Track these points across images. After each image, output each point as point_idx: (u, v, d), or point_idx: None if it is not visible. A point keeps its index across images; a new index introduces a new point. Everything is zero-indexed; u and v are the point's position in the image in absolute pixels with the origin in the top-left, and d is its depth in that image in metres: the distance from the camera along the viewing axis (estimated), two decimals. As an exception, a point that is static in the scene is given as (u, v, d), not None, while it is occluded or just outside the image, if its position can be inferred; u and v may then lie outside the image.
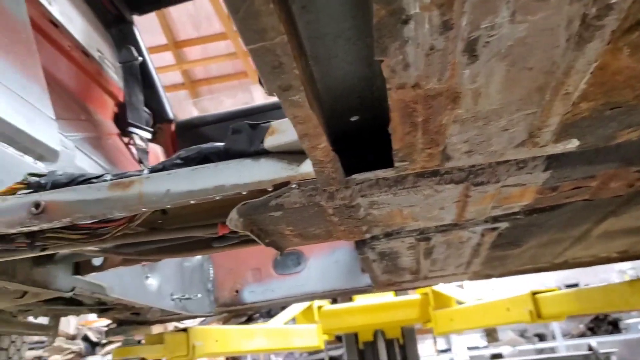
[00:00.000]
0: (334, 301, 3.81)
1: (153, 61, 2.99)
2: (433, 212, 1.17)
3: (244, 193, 1.03)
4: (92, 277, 1.63)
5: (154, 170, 1.13)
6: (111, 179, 1.12)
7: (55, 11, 2.29)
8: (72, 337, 9.28)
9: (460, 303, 3.36)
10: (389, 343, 3.71)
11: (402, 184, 1.01)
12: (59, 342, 9.07)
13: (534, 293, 2.65)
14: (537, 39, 0.58)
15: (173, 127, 2.82)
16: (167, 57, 9.74)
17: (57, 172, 1.21)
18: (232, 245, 1.29)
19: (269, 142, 1.03)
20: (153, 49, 9.04)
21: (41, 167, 1.47)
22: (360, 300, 3.66)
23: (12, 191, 1.17)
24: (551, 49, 0.60)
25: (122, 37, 2.88)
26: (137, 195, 1.07)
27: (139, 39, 2.91)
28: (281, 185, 1.01)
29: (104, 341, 9.53)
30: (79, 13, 2.56)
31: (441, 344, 9.20)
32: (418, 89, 0.65)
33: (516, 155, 0.90)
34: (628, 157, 0.96)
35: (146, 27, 8.76)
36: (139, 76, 2.74)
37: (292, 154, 1.01)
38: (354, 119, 0.95)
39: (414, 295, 3.57)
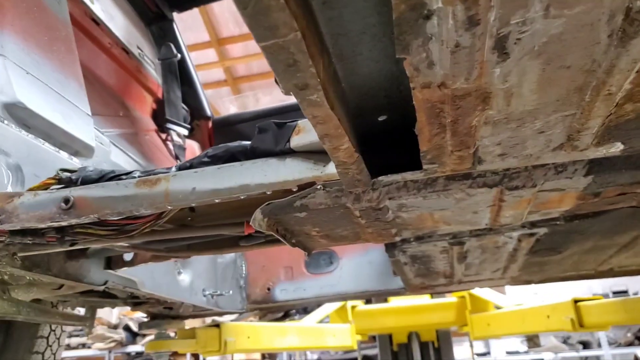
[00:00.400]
0: (368, 301, 3.77)
1: (195, 59, 3.03)
2: (466, 216, 1.12)
3: (269, 193, 1.01)
4: (124, 272, 1.65)
5: (181, 168, 1.12)
6: (139, 176, 1.13)
7: (97, 9, 2.35)
8: (114, 327, 9.59)
9: (498, 308, 3.26)
10: (424, 345, 3.64)
11: (432, 186, 0.96)
12: (102, 330, 9.39)
13: (576, 301, 2.54)
14: (575, 35, 0.53)
15: (210, 124, 2.85)
16: (210, 54, 9.88)
17: (88, 168, 1.22)
18: (259, 245, 1.28)
19: (295, 141, 1.00)
20: (196, 46, 9.20)
21: (76, 162, 1.50)
22: (394, 301, 3.61)
23: (44, 186, 1.20)
24: (591, 45, 0.55)
25: (162, 34, 2.92)
26: (163, 192, 1.06)
27: (178, 36, 2.95)
28: (306, 186, 0.98)
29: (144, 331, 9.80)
30: (120, 11, 2.61)
31: (479, 347, 9.00)
32: (445, 88, 0.61)
33: (554, 159, 0.85)
34: (679, 162, 0.89)
35: (189, 25, 8.91)
36: (178, 73, 2.78)
37: (318, 154, 0.99)
38: (381, 118, 0.92)
39: (450, 298, 3.49)
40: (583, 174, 0.93)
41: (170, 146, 2.53)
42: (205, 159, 1.12)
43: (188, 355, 9.52)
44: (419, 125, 0.70)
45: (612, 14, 0.50)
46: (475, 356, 8.71)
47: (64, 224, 1.11)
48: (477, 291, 3.32)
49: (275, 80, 0.59)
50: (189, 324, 2.93)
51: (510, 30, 0.52)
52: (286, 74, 0.55)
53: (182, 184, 1.06)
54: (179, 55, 2.79)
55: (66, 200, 1.11)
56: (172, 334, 2.53)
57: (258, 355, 9.18)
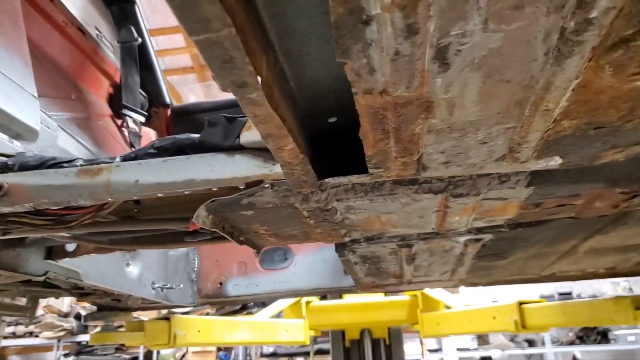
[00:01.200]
0: (324, 297, 3.78)
1: (161, 43, 2.95)
2: (412, 220, 1.13)
3: (215, 189, 0.98)
4: (67, 262, 1.60)
5: (126, 158, 1.09)
6: (81, 165, 1.09)
7: (52, -14, 2.25)
8: (65, 315, 9.32)
9: (448, 307, 3.32)
10: (375, 342, 3.69)
11: (378, 190, 0.96)
12: (52, 318, 9.11)
13: (521, 303, 2.61)
14: (514, 50, 0.53)
15: (169, 112, 2.78)
16: (178, 39, 9.67)
17: (27, 154, 1.17)
18: (204, 241, 1.26)
19: (245, 137, 0.98)
20: (163, 30, 8.97)
21: (17, 146, 1.43)
22: (349, 298, 3.63)
23: (-22, 172, 1.14)
24: (529, 62, 0.56)
25: (123, 16, 2.82)
26: (104, 183, 1.03)
27: (140, 19, 2.86)
28: (254, 184, 0.97)
29: (96, 320, 9.56)
30: (79, -11, 2.51)
31: (431, 343, 9.19)
32: (386, 95, 0.60)
33: (497, 170, 0.86)
34: (613, 177, 0.92)
35: (158, 7, 8.67)
36: (137, 58, 2.70)
37: (268, 152, 0.97)
38: (332, 120, 0.91)
39: (402, 297, 3.53)
40: (525, 184, 0.95)
41: (126, 133, 2.45)
42: (152, 151, 1.09)
43: (141, 348, 9.35)
44: (362, 130, 0.70)
45: (548, 33, 0.51)
46: (427, 352, 8.90)
47: (-3, 212, 1.06)
48: (429, 291, 3.38)
49: (213, 76, 0.57)
50: (149, 316, 2.87)
51: (451, 41, 0.51)
52: (222, 70, 0.53)
53: (124, 176, 1.03)
54: (139, 39, 2.70)
55: None
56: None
57: (213, 348, 9.11)
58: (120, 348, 9.79)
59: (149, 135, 2.66)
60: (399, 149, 0.75)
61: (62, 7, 2.23)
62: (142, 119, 2.57)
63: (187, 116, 2.80)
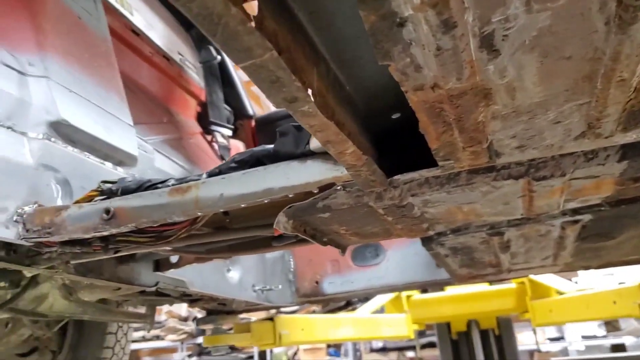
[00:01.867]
0: (424, 290, 3.73)
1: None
2: (497, 207, 1.08)
3: (292, 195, 1.02)
4: (173, 273, 1.73)
5: (211, 174, 1.16)
6: (172, 185, 1.17)
7: (136, 20, 2.43)
8: (184, 319, 10.04)
9: (560, 293, 3.13)
10: (484, 333, 3.57)
11: (454, 181, 0.94)
12: (173, 323, 9.86)
13: (644, 285, 2.39)
14: (567, 26, 0.50)
15: (253, 122, 2.90)
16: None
17: (127, 179, 1.28)
18: (291, 244, 1.30)
19: (314, 143, 1.00)
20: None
21: (121, 172, 1.58)
22: (451, 289, 3.55)
23: (88, 198, 1.27)
24: (588, 34, 0.52)
25: (201, 37, 2.99)
26: (193, 200, 1.10)
27: (218, 39, 3.01)
28: (326, 187, 0.99)
29: (212, 323, 10.20)
30: (160, 18, 2.69)
31: (552, 332, 8.67)
32: (438, 89, 0.59)
33: (579, 148, 0.80)
34: None
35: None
36: (219, 75, 2.85)
37: (338, 155, 0.99)
38: (395, 116, 0.91)
39: (509, 285, 3.39)
40: (616, 159, 0.88)
41: (216, 147, 2.59)
42: (233, 165, 1.15)
43: (255, 348, 9.80)
44: (422, 125, 0.69)
45: (604, 2, 0.47)
46: (547, 341, 8.41)
47: (105, 233, 1.18)
48: (538, 277, 3.20)
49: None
50: (258, 317, 3.02)
51: (494, 28, 0.50)
52: (271, 90, 0.55)
53: (210, 191, 1.10)
54: (219, 57, 2.85)
55: (107, 211, 1.17)
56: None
57: (323, 345, 9.33)
58: (235, 348, 10.37)
59: (237, 147, 2.79)
60: (464, 138, 0.73)
61: (147, 39, 2.42)
62: (229, 133, 2.70)
63: (270, 124, 2.90)
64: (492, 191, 0.98)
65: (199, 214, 1.10)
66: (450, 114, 0.66)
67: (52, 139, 1.39)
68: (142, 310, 2.53)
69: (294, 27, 0.58)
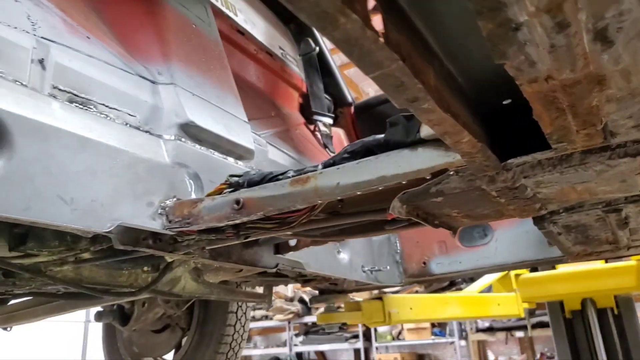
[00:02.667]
0: (534, 269, 3.63)
1: (329, 42, 3.18)
2: (613, 185, 1.08)
3: (404, 182, 1.09)
4: (292, 255, 1.88)
5: (326, 165, 1.26)
6: (292, 176, 1.29)
7: (240, 20, 2.60)
8: (290, 299, 10.52)
9: (689, 270, 2.91)
10: (601, 312, 3.41)
11: (567, 162, 0.96)
12: (280, 303, 10.37)
13: None
14: (684, 12, 0.52)
15: (352, 109, 2.98)
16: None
17: (251, 172, 1.43)
18: (403, 227, 1.37)
19: (425, 131, 1.06)
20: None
21: (241, 165, 1.74)
22: (562, 267, 3.42)
23: (218, 191, 1.43)
24: None
25: (299, 30, 3.12)
26: (313, 189, 1.21)
27: (314, 30, 3.12)
28: (439, 173, 1.05)
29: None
30: (261, 16, 2.85)
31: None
32: (552, 80, 0.63)
33: (703, 123, 0.79)
34: None
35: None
36: (318, 66, 2.96)
37: (448, 141, 1.04)
38: (506, 102, 0.94)
39: (628, 261, 3.20)
40: None
41: (319, 136, 2.72)
42: (345, 155, 1.24)
43: (360, 326, 10.04)
44: (535, 112, 0.73)
45: None
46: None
47: (237, 221, 1.33)
48: (661, 253, 2.99)
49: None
50: (360, 297, 3.15)
51: (608, 22, 0.53)
52: (395, 93, 0.63)
53: (328, 180, 1.20)
54: (317, 49, 2.96)
55: (237, 202, 1.32)
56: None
57: (427, 324, 9.34)
58: (341, 327, 10.69)
59: (339, 135, 2.89)
60: (578, 122, 0.76)
61: (252, 38, 2.58)
62: (331, 121, 2.81)
63: (369, 110, 2.97)
64: (607, 170, 0.98)
65: (319, 201, 1.21)
66: (564, 101, 0.69)
67: (182, 139, 1.57)
68: (260, 290, 2.75)
69: (411, 33, 0.64)
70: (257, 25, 2.71)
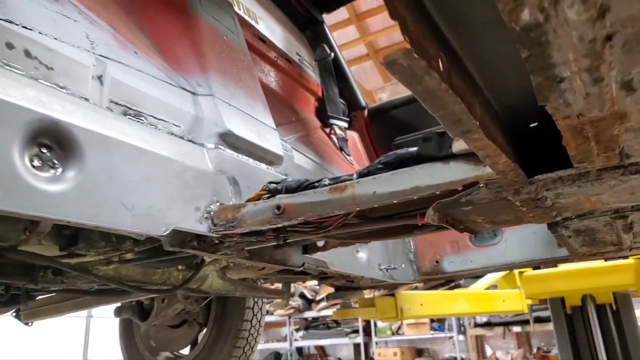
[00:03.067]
0: (536, 267, 3.77)
1: (336, 38, 3.30)
2: (623, 197, 1.21)
3: (437, 192, 1.22)
4: (317, 255, 2.00)
5: (361, 175, 1.38)
6: (329, 184, 1.41)
7: (262, 28, 2.72)
8: (291, 295, 10.63)
9: (685, 268, 3.06)
10: (600, 308, 3.56)
11: (585, 177, 1.08)
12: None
13: None
14: (694, 70, 0.65)
15: (366, 113, 3.11)
16: (351, 32, 10.15)
17: (288, 179, 1.55)
18: (431, 231, 1.50)
19: (457, 146, 1.19)
20: (337, 26, 9.52)
21: (272, 171, 1.86)
22: (564, 265, 3.57)
23: (258, 197, 1.55)
24: None
25: (315, 36, 3.24)
26: (350, 197, 1.33)
27: (329, 36, 3.24)
28: (470, 185, 1.17)
29: (317, 298, 10.75)
30: (279, 23, 2.96)
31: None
32: (582, 117, 0.76)
33: None
34: None
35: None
36: (333, 71, 3.08)
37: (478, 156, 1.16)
38: (533, 125, 1.07)
39: (626, 260, 3.34)
40: None
41: (334, 139, 2.84)
42: (379, 166, 1.37)
43: (360, 321, 10.18)
44: (565, 140, 0.85)
45: None
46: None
47: (278, 225, 1.45)
48: (659, 251, 3.14)
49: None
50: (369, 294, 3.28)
51: (633, 76, 0.66)
52: (453, 126, 0.75)
53: (365, 189, 1.32)
54: (332, 55, 3.08)
55: (278, 207, 1.44)
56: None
57: (427, 320, 9.50)
58: (339, 323, 10.84)
59: (353, 138, 3.01)
60: (600, 147, 0.88)
61: (272, 45, 2.69)
62: (345, 125, 2.94)
63: (382, 114, 3.09)
64: (620, 184, 1.11)
65: (357, 208, 1.34)
66: (590, 131, 0.81)
67: (221, 148, 1.68)
68: (279, 287, 2.88)
69: (466, 76, 0.77)
70: (276, 32, 2.83)
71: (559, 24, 0.52)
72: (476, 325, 9.23)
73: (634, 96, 0.71)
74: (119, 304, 3.51)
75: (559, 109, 0.73)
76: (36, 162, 1.13)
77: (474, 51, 0.81)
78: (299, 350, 11.60)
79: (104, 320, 9.27)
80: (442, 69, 0.61)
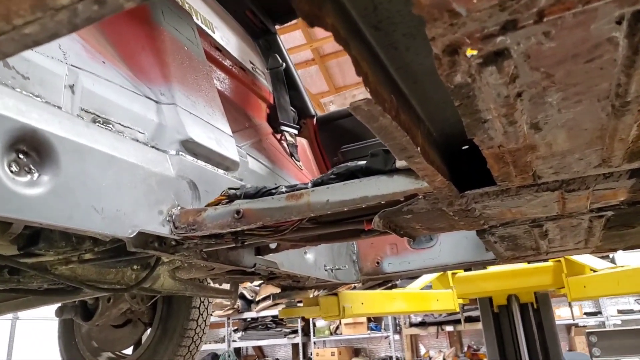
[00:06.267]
0: (468, 269, 4.07)
1: (284, 41, 3.43)
2: (537, 209, 1.43)
3: (383, 202, 1.39)
4: (268, 256, 2.13)
5: (315, 184, 1.53)
6: (286, 191, 1.55)
7: (217, 37, 2.81)
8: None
9: (594, 271, 3.43)
10: (524, 307, 3.90)
11: (507, 193, 1.29)
12: (220, 299, 10.46)
13: (669, 264, 2.68)
14: (583, 117, 0.84)
15: (315, 121, 3.26)
16: (298, 36, 10.30)
17: (247, 186, 1.67)
18: (375, 235, 1.67)
19: (399, 163, 1.36)
20: (284, 30, 9.63)
21: (229, 177, 1.98)
22: (493, 267, 3.88)
23: (218, 202, 1.67)
24: (597, 120, 0.86)
25: (267, 46, 3.36)
26: (306, 204, 1.48)
27: (281, 46, 3.38)
28: (411, 197, 1.35)
29: (257, 299, 10.81)
30: (234, 33, 3.07)
31: (589, 307, 8.91)
32: (502, 147, 0.94)
33: (597, 172, 1.14)
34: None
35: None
36: (284, 79, 3.22)
37: (418, 171, 1.34)
38: (464, 147, 1.26)
39: (546, 263, 3.69)
40: (627, 177, 1.21)
41: (285, 145, 2.98)
42: (332, 176, 1.52)
43: (299, 321, 10.33)
44: (489, 164, 1.04)
45: (603, 108, 0.81)
46: (584, 315, 8.66)
47: (237, 229, 1.57)
48: (575, 256, 3.50)
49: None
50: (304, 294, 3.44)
51: (539, 119, 0.84)
52: (400, 152, 0.92)
53: (319, 197, 1.47)
54: (284, 64, 3.22)
55: (237, 212, 1.56)
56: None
57: (364, 319, 9.80)
58: (280, 323, 10.96)
59: (302, 144, 3.16)
60: (517, 170, 1.08)
61: (228, 53, 2.80)
62: (296, 132, 3.08)
63: (330, 123, 3.26)
64: (535, 199, 1.32)
65: (312, 214, 1.48)
66: (509, 158, 1.01)
67: (182, 154, 1.78)
68: (226, 287, 2.98)
69: (411, 111, 0.94)
70: (231, 42, 2.93)
71: (483, 85, 0.69)
72: (411, 325, 9.62)
73: (540, 133, 0.90)
74: (59, 304, 3.47)
75: (484, 142, 0.91)
76: (14, 168, 1.19)
77: (418, 92, 0.97)
78: (237, 351, 11.60)
79: (30, 322, 8.93)
80: (392, 110, 0.77)
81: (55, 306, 3.42)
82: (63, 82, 1.43)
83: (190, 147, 1.82)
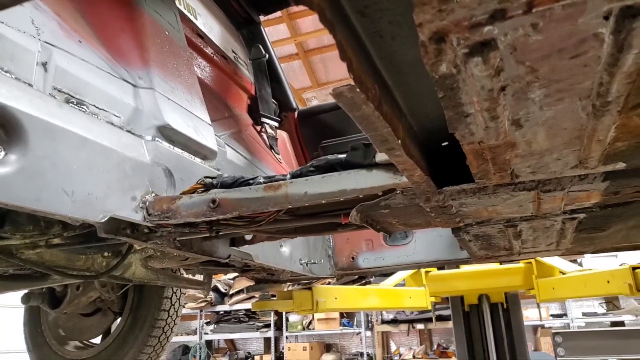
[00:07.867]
0: (441, 268, 4.11)
1: (268, 34, 3.40)
2: (513, 208, 1.44)
3: (361, 196, 1.38)
4: (243, 247, 2.11)
5: (294, 176, 1.51)
6: (264, 182, 1.53)
7: (200, 24, 2.76)
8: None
9: (563, 273, 3.49)
10: (494, 307, 3.96)
11: (484, 191, 1.29)
12: (193, 291, 10.37)
13: (634, 268, 2.74)
14: (563, 116, 0.85)
15: (296, 115, 3.24)
16: (282, 30, 10.25)
17: (224, 175, 1.65)
18: (352, 230, 1.67)
19: (379, 157, 1.36)
20: (268, 22, 9.57)
21: (206, 165, 1.94)
22: (465, 267, 3.93)
23: (193, 190, 1.63)
24: (576, 119, 0.86)
25: (251, 36, 3.32)
26: (284, 195, 1.46)
27: (265, 37, 3.34)
28: (389, 191, 1.35)
29: (231, 292, 10.75)
30: (217, 20, 3.02)
31: (555, 309, 9.12)
32: (483, 144, 0.94)
33: (574, 173, 1.15)
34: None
35: (262, 5, 9.22)
36: (267, 71, 3.18)
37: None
38: (444, 144, 1.26)
39: (517, 264, 3.75)
40: (601, 180, 1.23)
41: (265, 137, 2.95)
42: (311, 168, 1.50)
43: (272, 315, 10.32)
44: (468, 160, 1.04)
45: (584, 107, 0.81)
46: (550, 317, 8.86)
47: (213, 218, 1.55)
48: (545, 258, 3.57)
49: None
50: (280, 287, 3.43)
51: (520, 116, 0.84)
52: (381, 144, 0.91)
53: (297, 189, 1.45)
54: (267, 55, 3.19)
55: (213, 201, 1.54)
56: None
57: (337, 315, 9.83)
58: (253, 317, 10.93)
59: (282, 137, 3.14)
60: (495, 168, 1.08)
61: (210, 41, 2.75)
62: (276, 124, 3.05)
63: (311, 117, 3.24)
64: (511, 198, 1.33)
65: (289, 206, 1.47)
66: (488, 155, 1.01)
67: (159, 140, 1.75)
68: (199, 278, 2.94)
69: (394, 103, 0.93)
70: (213, 29, 2.88)
71: (467, 76, 0.69)
72: (383, 322, 9.69)
73: (521, 131, 0.90)
74: (26, 291, 3.39)
75: (465, 137, 0.91)
76: (-21, 145, 1.15)
77: (401, 84, 0.97)
78: (209, 343, 11.53)
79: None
80: (375, 99, 0.76)
81: (22, 293, 3.33)
82: (35, 59, 1.38)
83: (167, 133, 1.78)
